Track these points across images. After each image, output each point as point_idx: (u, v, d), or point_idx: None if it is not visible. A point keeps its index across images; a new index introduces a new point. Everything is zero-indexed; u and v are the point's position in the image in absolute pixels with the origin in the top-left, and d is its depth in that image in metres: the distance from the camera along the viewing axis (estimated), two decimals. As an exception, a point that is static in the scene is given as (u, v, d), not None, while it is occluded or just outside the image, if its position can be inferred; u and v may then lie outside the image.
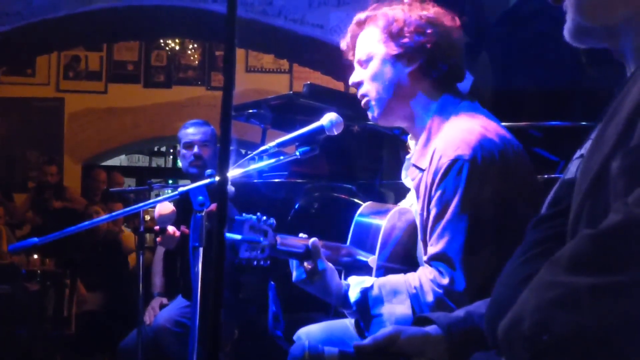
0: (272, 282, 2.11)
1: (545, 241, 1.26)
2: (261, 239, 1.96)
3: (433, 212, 1.94)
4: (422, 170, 2.01)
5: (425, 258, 1.98)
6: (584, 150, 1.24)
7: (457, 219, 1.89)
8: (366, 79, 2.12)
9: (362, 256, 2.15)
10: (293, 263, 2.07)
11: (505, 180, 1.90)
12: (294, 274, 2.04)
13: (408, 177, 2.14)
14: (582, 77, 3.46)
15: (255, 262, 1.97)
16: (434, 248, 1.93)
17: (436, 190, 1.93)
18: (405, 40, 2.04)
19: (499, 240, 1.87)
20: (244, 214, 1.97)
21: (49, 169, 7.14)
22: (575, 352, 0.98)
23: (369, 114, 2.16)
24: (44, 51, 7.72)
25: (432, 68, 2.06)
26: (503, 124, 2.07)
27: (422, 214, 2.01)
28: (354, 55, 2.18)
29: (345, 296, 2.03)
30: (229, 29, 0.96)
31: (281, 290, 2.59)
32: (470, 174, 1.88)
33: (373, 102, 2.13)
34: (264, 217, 1.99)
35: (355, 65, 2.17)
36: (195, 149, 3.83)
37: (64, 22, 5.92)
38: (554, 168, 3.27)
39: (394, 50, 2.06)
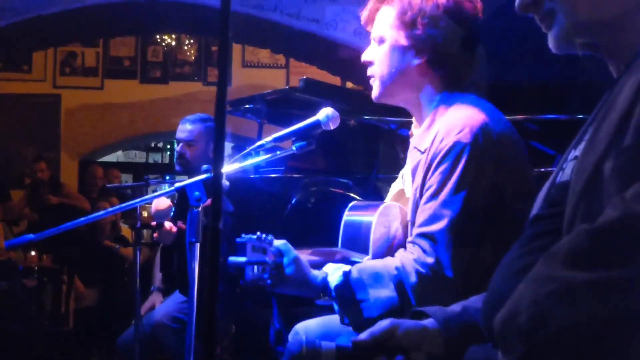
0: (274, 298, 2.07)
1: (543, 235, 1.26)
2: (266, 258, 1.93)
3: (428, 192, 1.92)
4: (422, 152, 2.00)
5: (411, 237, 1.96)
6: (578, 151, 1.24)
7: (450, 200, 1.88)
8: (376, 60, 2.10)
9: (356, 257, 2.13)
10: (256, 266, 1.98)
11: (501, 168, 1.90)
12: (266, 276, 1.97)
13: (408, 165, 2.11)
14: (578, 70, 3.46)
15: (261, 282, 1.94)
16: (423, 226, 1.91)
17: (434, 170, 1.92)
18: (417, 32, 2.00)
19: (488, 228, 1.88)
20: (243, 235, 1.94)
21: (37, 166, 7.12)
22: (571, 347, 0.98)
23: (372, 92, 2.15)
24: (40, 47, 7.71)
25: (439, 65, 2.03)
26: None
27: (414, 194, 2.00)
28: (371, 28, 2.14)
29: (324, 283, 1.99)
30: (223, 23, 0.95)
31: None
32: (470, 158, 1.87)
33: (377, 83, 2.11)
34: (263, 235, 1.97)
35: (372, 40, 2.14)
36: (179, 147, 3.83)
37: (60, 17, 5.91)
38: (550, 161, 3.27)
39: (404, 40, 2.03)
